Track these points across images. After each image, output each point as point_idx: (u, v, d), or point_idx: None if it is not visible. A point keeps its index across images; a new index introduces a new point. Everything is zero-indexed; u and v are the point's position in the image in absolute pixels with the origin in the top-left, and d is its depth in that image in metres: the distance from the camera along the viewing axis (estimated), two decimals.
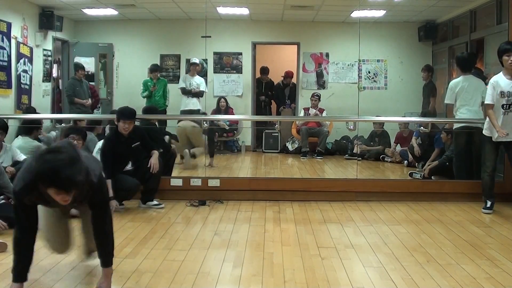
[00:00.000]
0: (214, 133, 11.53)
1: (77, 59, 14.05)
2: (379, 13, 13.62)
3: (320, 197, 8.55)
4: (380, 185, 8.96)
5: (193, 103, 12.85)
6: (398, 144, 12.57)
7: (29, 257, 4.24)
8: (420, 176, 9.91)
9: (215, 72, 14.96)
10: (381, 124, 12.96)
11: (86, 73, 13.30)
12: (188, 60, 13.62)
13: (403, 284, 4.68)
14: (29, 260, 4.23)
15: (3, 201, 6.83)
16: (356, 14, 13.17)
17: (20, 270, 4.21)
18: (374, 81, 14.80)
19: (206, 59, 14.60)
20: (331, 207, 8.06)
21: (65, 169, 3.55)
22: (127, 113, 7.74)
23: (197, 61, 13.32)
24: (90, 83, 13.43)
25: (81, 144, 7.53)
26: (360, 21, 12.34)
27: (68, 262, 5.21)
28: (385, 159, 12.53)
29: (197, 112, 12.52)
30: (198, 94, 12.93)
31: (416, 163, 11.34)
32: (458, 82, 9.02)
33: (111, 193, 7.44)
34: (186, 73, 13.75)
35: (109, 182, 7.46)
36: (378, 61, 14.79)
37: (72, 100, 12.53)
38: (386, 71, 14.78)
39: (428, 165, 10.10)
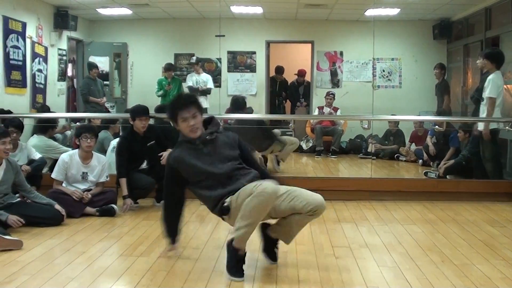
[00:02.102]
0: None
1: (92, 59, 14.11)
2: (394, 11, 13.58)
3: (334, 196, 8.50)
4: (394, 184, 8.94)
5: (201, 102, 12.86)
6: (413, 143, 12.53)
7: (175, 221, 5.27)
8: (435, 175, 9.88)
9: (229, 71, 14.98)
10: (396, 123, 12.92)
11: (100, 72, 13.35)
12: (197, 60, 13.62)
13: (418, 284, 4.66)
14: (175, 224, 5.28)
15: (18, 199, 6.87)
16: (370, 12, 13.16)
17: (171, 233, 5.29)
18: (389, 79, 14.76)
19: (220, 58, 14.62)
20: (345, 206, 8.05)
21: None
22: (141, 110, 7.79)
23: (194, 60, 13.40)
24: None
25: (93, 142, 7.53)
26: (374, 19, 12.36)
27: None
28: (400, 158, 12.49)
29: (205, 111, 12.48)
30: (206, 92, 12.97)
31: (431, 162, 11.31)
32: (499, 77, 8.76)
33: (125, 192, 7.48)
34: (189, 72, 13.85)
35: (124, 181, 7.51)
36: (392, 59, 14.75)
37: (87, 99, 12.59)
38: (401, 69, 14.74)
39: (444, 164, 10.06)
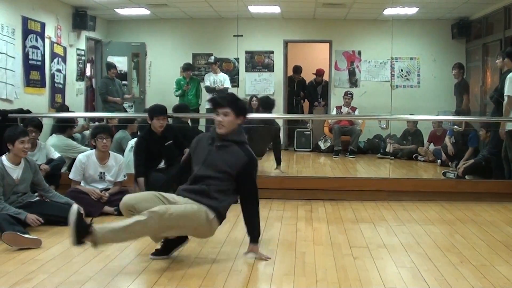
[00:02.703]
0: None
1: (110, 59, 14.18)
2: (412, 10, 13.52)
3: (352, 196, 8.51)
4: (413, 184, 8.91)
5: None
6: (432, 143, 12.48)
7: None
8: (454, 176, 9.83)
9: (246, 71, 14.99)
10: (414, 122, 12.88)
11: (118, 72, 13.40)
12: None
13: (436, 285, 4.64)
14: None
15: (37, 198, 6.91)
16: (388, 11, 13.12)
17: None
18: (407, 79, 14.71)
19: (238, 58, 14.63)
20: (363, 207, 8.03)
21: None
22: (158, 110, 7.82)
23: (212, 59, 13.42)
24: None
25: (109, 142, 7.56)
26: (392, 18, 12.33)
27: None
28: (418, 158, 12.45)
29: None
30: (223, 91, 12.98)
31: (450, 162, 11.26)
32: None
33: (144, 191, 7.50)
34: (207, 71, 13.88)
35: (141, 180, 7.53)
36: (411, 59, 14.70)
37: (106, 99, 12.65)
38: (419, 69, 14.69)
39: (463, 164, 10.00)
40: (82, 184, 7.55)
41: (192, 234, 5.31)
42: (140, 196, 5.17)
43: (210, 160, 5.21)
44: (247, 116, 5.45)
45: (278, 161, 10.22)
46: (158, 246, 5.35)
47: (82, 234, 4.61)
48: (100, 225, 4.84)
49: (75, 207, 4.64)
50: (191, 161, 5.48)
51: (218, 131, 5.22)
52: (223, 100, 5.26)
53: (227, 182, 5.23)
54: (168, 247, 5.35)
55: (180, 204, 5.06)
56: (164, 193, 5.24)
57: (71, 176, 7.55)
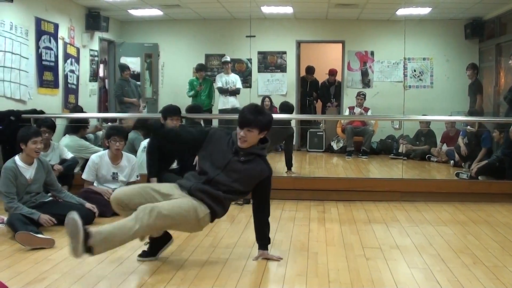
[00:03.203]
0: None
1: (123, 59, 14.24)
2: (425, 11, 13.50)
3: (365, 197, 8.51)
4: (426, 185, 8.89)
5: (231, 102, 12.93)
6: (445, 144, 12.43)
7: None
8: (467, 176, 9.78)
9: (259, 71, 15.00)
10: (427, 123, 12.84)
11: (132, 73, 13.44)
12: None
13: (449, 286, 4.63)
14: None
15: (50, 198, 6.94)
16: (401, 11, 13.09)
17: None
18: (420, 79, 14.67)
19: (251, 59, 14.64)
20: (376, 207, 8.02)
21: None
22: (172, 110, 7.85)
23: (228, 59, 13.43)
24: None
25: (122, 145, 7.58)
26: (405, 18, 12.29)
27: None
28: (431, 158, 12.41)
29: (237, 111, 12.56)
30: (235, 92, 13.00)
31: (463, 163, 11.21)
32: None
33: None
34: (219, 72, 13.89)
35: (154, 180, 7.54)
36: (424, 59, 14.67)
37: (122, 100, 12.71)
38: (432, 69, 14.64)
39: (476, 165, 9.96)
40: (95, 184, 7.58)
41: (177, 229, 5.22)
42: (131, 191, 5.06)
43: (232, 170, 5.12)
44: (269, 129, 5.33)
45: (289, 165, 10.17)
46: (145, 248, 5.35)
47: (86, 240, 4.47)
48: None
49: (74, 214, 4.47)
50: (188, 141, 5.46)
51: (240, 145, 5.14)
52: (251, 120, 5.09)
53: (243, 195, 5.40)
54: (155, 248, 5.33)
55: (174, 199, 4.96)
56: (158, 185, 5.24)
57: (84, 176, 7.58)
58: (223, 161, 5.13)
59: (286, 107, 10.84)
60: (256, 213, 5.34)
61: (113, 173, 7.59)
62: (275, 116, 10.33)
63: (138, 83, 14.06)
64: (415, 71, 14.68)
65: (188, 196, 5.01)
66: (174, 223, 4.87)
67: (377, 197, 8.50)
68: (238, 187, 5.13)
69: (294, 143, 13.26)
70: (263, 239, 5.37)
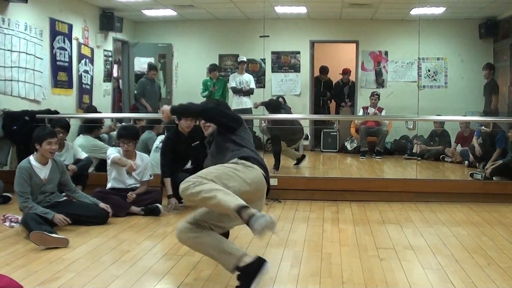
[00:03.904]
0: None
1: (137, 60, 14.30)
2: (439, 10, 13.45)
3: (379, 197, 8.49)
4: (440, 185, 8.85)
5: (245, 102, 12.94)
6: (459, 144, 12.38)
7: None
8: (481, 177, 9.73)
9: (273, 71, 14.99)
10: (441, 123, 12.78)
11: (145, 73, 13.47)
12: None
13: (463, 287, 4.61)
14: None
15: (65, 198, 6.97)
16: (415, 11, 13.05)
17: None
18: (434, 79, 14.62)
19: (264, 59, 14.64)
20: (390, 208, 8.00)
21: None
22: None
23: (244, 59, 13.40)
24: None
25: (132, 147, 7.57)
26: (419, 18, 12.24)
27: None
28: (445, 159, 12.36)
29: (250, 111, 12.61)
30: (249, 92, 13.00)
31: (477, 164, 11.15)
32: None
33: (170, 191, 7.53)
34: (233, 71, 13.89)
35: (168, 180, 7.56)
36: (438, 59, 14.60)
37: (139, 100, 12.72)
38: (446, 69, 14.58)
39: (491, 165, 9.90)
40: (109, 185, 7.60)
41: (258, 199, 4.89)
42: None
43: (213, 148, 5.17)
44: None
45: (277, 165, 10.44)
46: None
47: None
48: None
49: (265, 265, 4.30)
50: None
51: (206, 133, 5.31)
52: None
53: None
54: None
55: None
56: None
57: (109, 152, 7.71)
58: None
59: (269, 106, 11.32)
60: None
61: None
62: (287, 116, 10.47)
63: (161, 83, 14.13)
64: (429, 71, 14.62)
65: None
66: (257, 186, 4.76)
67: (391, 197, 8.48)
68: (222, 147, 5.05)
69: (308, 142, 13.30)
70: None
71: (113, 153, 7.62)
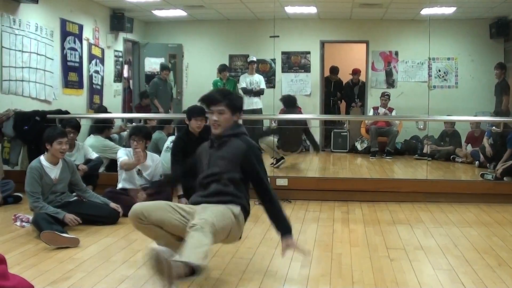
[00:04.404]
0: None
1: (147, 60, 14.34)
2: (450, 10, 13.41)
3: (389, 197, 8.47)
4: (450, 186, 8.83)
5: (255, 102, 12.94)
6: (469, 144, 12.34)
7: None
8: (492, 177, 9.69)
9: (283, 71, 14.98)
10: (452, 123, 12.74)
11: (156, 73, 13.50)
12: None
13: None
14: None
15: (75, 197, 6.99)
16: (426, 11, 13.02)
17: None
18: (445, 79, 14.58)
19: (274, 59, 14.64)
20: (400, 208, 7.99)
21: None
22: (197, 110, 7.82)
23: (254, 59, 13.40)
24: None
25: (142, 146, 7.58)
26: (430, 18, 12.21)
27: None
28: (456, 159, 12.32)
29: (259, 111, 12.62)
30: (259, 93, 13.01)
31: (488, 164, 11.11)
32: None
33: (180, 191, 7.54)
34: (243, 72, 13.91)
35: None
36: (448, 59, 14.57)
37: (152, 100, 12.77)
38: (457, 69, 14.54)
39: (502, 166, 9.87)
40: (121, 184, 7.62)
41: (225, 239, 4.78)
42: (152, 205, 4.73)
43: (213, 160, 4.86)
44: (242, 112, 5.10)
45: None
46: None
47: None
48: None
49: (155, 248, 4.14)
50: (195, 166, 5.11)
51: (214, 131, 4.87)
52: (217, 95, 4.87)
53: (235, 173, 4.81)
54: None
55: (203, 212, 4.56)
56: (178, 204, 4.85)
57: (119, 154, 7.73)
58: (206, 159, 4.92)
59: (287, 101, 11.63)
60: (263, 204, 4.90)
61: (138, 169, 7.63)
62: (291, 116, 10.48)
63: (172, 83, 14.17)
64: (439, 71, 14.59)
65: (215, 204, 4.71)
66: (225, 226, 4.58)
67: (402, 198, 8.47)
68: (224, 169, 4.79)
69: (318, 142, 13.27)
70: (281, 224, 4.83)
71: (121, 156, 7.65)
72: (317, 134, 14.09)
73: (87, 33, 12.18)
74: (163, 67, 13.29)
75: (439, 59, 14.52)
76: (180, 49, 15.01)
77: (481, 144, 11.51)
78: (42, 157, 6.63)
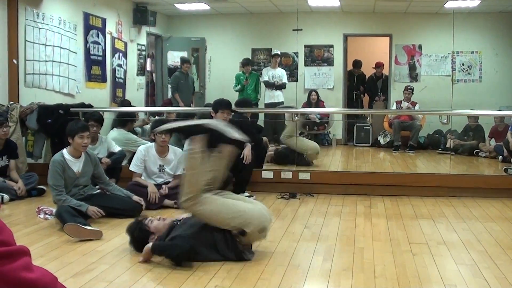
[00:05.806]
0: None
1: (170, 54, 14.38)
2: (474, 3, 13.30)
3: (412, 192, 8.44)
4: (473, 180, 8.77)
5: (277, 96, 12.94)
6: (493, 139, 12.25)
7: None
8: None
9: (306, 65, 14.94)
10: (476, 118, 12.65)
11: (178, 67, 13.53)
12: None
13: (497, 283, 4.57)
14: None
15: (98, 190, 7.03)
16: (449, 4, 12.92)
17: None
18: (468, 73, 14.47)
19: (297, 52, 14.60)
20: (423, 203, 7.95)
21: None
22: (225, 104, 7.86)
23: (279, 52, 13.40)
24: None
25: (168, 138, 7.61)
26: (454, 11, 12.11)
27: None
28: (479, 154, 12.24)
29: (281, 104, 12.60)
30: (281, 87, 13.00)
31: (511, 159, 11.04)
32: None
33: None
34: (266, 65, 13.90)
35: None
36: (472, 53, 14.45)
37: (173, 94, 12.81)
38: (481, 63, 14.43)
39: None
40: (142, 177, 7.66)
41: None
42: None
43: None
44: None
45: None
46: None
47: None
48: None
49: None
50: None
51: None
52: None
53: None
54: None
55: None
56: None
57: (132, 168, 7.67)
58: None
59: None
60: None
61: (160, 165, 7.66)
62: (315, 110, 10.40)
63: (195, 77, 14.20)
64: (463, 65, 14.48)
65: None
66: None
67: (424, 192, 8.43)
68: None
69: (340, 136, 13.22)
70: None
71: (134, 169, 7.71)
72: (340, 128, 14.11)
73: (110, 27, 12.22)
74: (183, 60, 13.31)
75: (462, 53, 14.40)
76: (203, 42, 15.02)
77: (505, 139, 11.42)
78: (64, 151, 6.68)
